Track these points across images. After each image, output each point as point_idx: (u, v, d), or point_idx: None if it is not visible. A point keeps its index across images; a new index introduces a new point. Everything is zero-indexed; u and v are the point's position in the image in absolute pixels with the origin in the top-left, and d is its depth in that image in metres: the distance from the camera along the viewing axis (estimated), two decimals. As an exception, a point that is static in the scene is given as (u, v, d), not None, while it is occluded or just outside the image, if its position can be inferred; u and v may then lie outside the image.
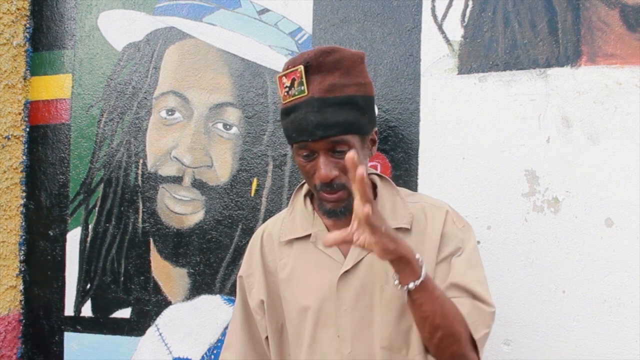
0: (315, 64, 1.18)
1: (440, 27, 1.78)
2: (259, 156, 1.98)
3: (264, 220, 1.96)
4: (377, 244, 1.04)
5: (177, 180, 2.07)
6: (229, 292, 2.01)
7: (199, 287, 2.04)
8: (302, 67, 1.18)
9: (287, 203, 1.92)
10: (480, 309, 1.21)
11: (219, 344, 2.00)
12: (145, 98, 2.13)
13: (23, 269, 2.26)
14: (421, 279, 1.10)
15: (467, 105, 1.74)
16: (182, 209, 2.06)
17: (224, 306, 2.01)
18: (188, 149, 2.06)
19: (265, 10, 2.00)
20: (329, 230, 1.31)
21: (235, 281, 1.99)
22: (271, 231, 1.40)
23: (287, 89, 1.21)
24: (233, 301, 1.99)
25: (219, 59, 2.04)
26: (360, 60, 1.25)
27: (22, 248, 2.26)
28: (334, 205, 1.23)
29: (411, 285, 1.10)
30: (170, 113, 2.09)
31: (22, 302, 2.27)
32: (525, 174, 1.68)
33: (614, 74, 1.61)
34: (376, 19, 1.86)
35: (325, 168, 1.19)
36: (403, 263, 1.09)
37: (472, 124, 1.73)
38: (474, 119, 1.73)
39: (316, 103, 1.17)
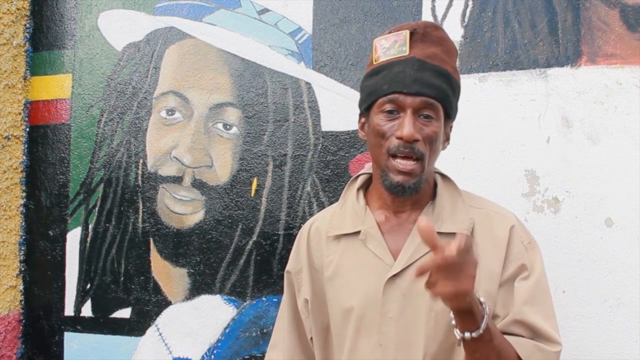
0: (422, 32, 1.15)
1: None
2: (259, 156, 1.98)
3: (264, 220, 1.96)
4: (456, 300, 0.97)
5: (177, 180, 2.07)
6: (229, 292, 2.01)
7: (199, 287, 2.04)
8: (407, 31, 1.14)
9: (287, 203, 1.92)
10: (543, 351, 1.13)
11: (219, 344, 2.00)
12: (145, 98, 2.13)
13: (23, 269, 2.26)
14: (480, 331, 1.01)
15: (467, 105, 1.74)
16: (182, 209, 2.06)
17: (224, 306, 2.01)
18: (188, 149, 2.06)
19: (265, 10, 2.00)
20: (380, 227, 1.21)
21: (235, 281, 2.00)
22: (319, 225, 1.30)
23: (384, 50, 1.16)
24: (233, 301, 1.99)
25: (219, 59, 2.04)
26: (456, 53, 1.23)
27: (22, 248, 2.26)
28: (404, 178, 1.13)
29: (467, 335, 1.02)
30: (170, 113, 2.09)
31: (22, 302, 2.27)
32: (525, 174, 1.68)
33: (614, 74, 1.61)
34: (376, 19, 1.86)
35: (410, 126, 1.10)
36: (466, 312, 1.01)
37: (472, 124, 1.73)
38: (474, 119, 1.73)
39: (417, 63, 1.12)
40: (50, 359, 2.23)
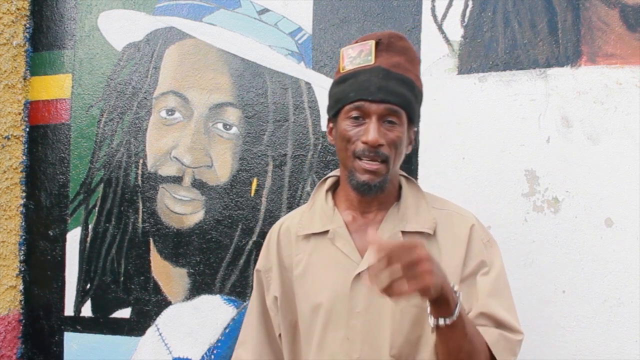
0: (387, 43, 1.22)
1: (440, 27, 1.78)
2: (259, 156, 1.98)
3: (264, 220, 1.96)
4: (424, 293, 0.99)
5: (177, 180, 2.07)
6: (229, 292, 2.01)
7: (199, 287, 2.04)
8: (373, 41, 1.22)
9: (287, 203, 1.92)
10: (507, 338, 1.18)
11: (219, 344, 2.00)
12: (145, 98, 2.13)
13: (23, 269, 2.26)
14: (454, 317, 1.06)
15: (467, 105, 1.74)
16: (182, 209, 2.06)
17: (224, 306, 2.01)
18: (188, 149, 2.06)
19: (265, 10, 2.00)
20: (348, 227, 1.27)
21: (235, 281, 2.00)
22: (289, 225, 1.36)
23: (351, 59, 1.23)
24: (233, 301, 1.99)
25: (219, 59, 2.04)
26: (419, 62, 1.31)
27: (22, 248, 2.26)
28: (370, 177, 1.20)
29: (441, 322, 1.06)
30: (170, 113, 2.09)
31: (22, 302, 2.27)
32: (525, 174, 1.68)
33: (614, 74, 1.61)
34: (376, 19, 1.86)
35: (374, 132, 1.18)
36: (440, 300, 1.05)
37: (472, 124, 1.73)
38: (474, 119, 1.73)
39: (382, 72, 1.20)
40: (50, 359, 2.23)
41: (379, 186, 1.21)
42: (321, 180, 1.38)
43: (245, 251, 1.99)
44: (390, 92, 1.18)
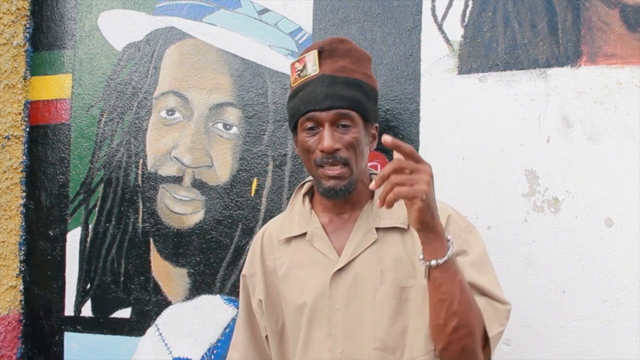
0: (329, 49, 1.26)
1: (440, 27, 1.78)
2: (259, 156, 1.98)
3: (264, 220, 1.96)
4: (418, 209, 1.02)
5: (177, 180, 2.07)
6: (229, 292, 2.01)
7: (199, 287, 2.04)
8: (315, 51, 1.26)
9: (287, 203, 1.93)
10: (495, 307, 1.19)
11: (219, 344, 2.00)
12: (145, 98, 2.13)
13: (23, 269, 2.26)
14: (445, 258, 1.08)
15: (467, 105, 1.74)
16: (182, 209, 2.06)
17: (224, 306, 2.01)
18: (188, 149, 2.06)
19: (265, 10, 2.00)
20: (325, 228, 1.32)
21: (236, 281, 2.00)
22: (271, 231, 1.42)
23: (298, 72, 1.28)
24: (233, 301, 1.99)
25: (219, 59, 2.04)
26: (368, 59, 1.33)
27: (22, 248, 2.26)
28: (335, 182, 1.23)
29: (433, 262, 1.08)
30: (170, 113, 2.09)
31: (22, 302, 2.27)
32: (525, 174, 1.67)
33: (614, 74, 1.61)
34: (376, 19, 1.86)
35: (328, 138, 1.21)
36: (432, 237, 1.08)
37: (472, 124, 1.73)
38: (474, 119, 1.73)
39: (327, 79, 1.24)
40: (50, 359, 2.23)
41: (345, 189, 1.25)
42: (299, 186, 1.43)
43: (245, 251, 1.99)
44: (336, 97, 1.22)
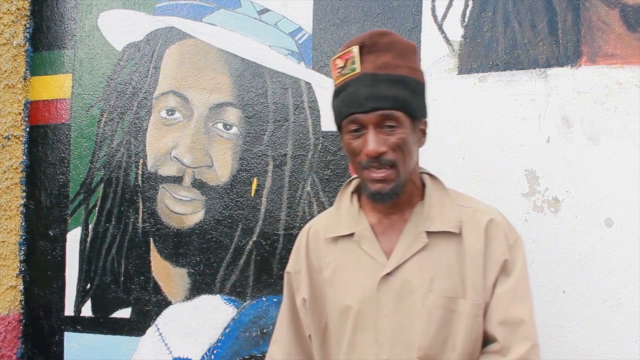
0: (370, 44, 1.18)
1: (440, 27, 1.78)
2: (259, 156, 1.98)
3: (264, 220, 1.96)
4: None
5: (177, 180, 2.07)
6: (229, 292, 2.01)
7: (199, 287, 2.04)
8: (356, 47, 1.18)
9: (287, 203, 1.92)
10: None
11: (219, 344, 2.00)
12: (145, 98, 2.13)
13: (23, 269, 2.26)
14: None
15: (467, 105, 1.74)
16: (182, 209, 2.06)
17: (224, 306, 2.01)
18: (188, 149, 2.06)
19: (265, 10, 2.00)
20: (373, 229, 1.26)
21: (235, 281, 2.00)
22: (317, 228, 1.36)
23: (339, 69, 1.21)
24: (233, 301, 1.99)
25: (219, 59, 2.04)
26: (413, 49, 1.24)
27: (22, 248, 2.26)
28: (381, 186, 1.18)
29: None
30: (170, 113, 2.09)
31: (22, 302, 2.27)
32: (525, 174, 1.67)
33: (614, 74, 1.61)
34: (376, 19, 1.86)
35: (373, 142, 1.16)
36: None
37: (472, 124, 1.73)
38: (474, 119, 1.73)
39: (369, 78, 1.17)
40: (50, 359, 2.23)
41: (392, 192, 1.19)
42: (346, 182, 1.37)
43: (245, 251, 1.99)
44: (379, 98, 1.16)
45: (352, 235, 1.28)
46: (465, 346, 1.19)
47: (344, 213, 1.32)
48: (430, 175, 1.31)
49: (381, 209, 1.27)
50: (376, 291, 1.22)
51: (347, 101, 1.19)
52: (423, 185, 1.29)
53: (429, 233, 1.23)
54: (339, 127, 1.25)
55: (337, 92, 1.23)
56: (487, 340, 1.21)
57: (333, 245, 1.31)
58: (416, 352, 1.19)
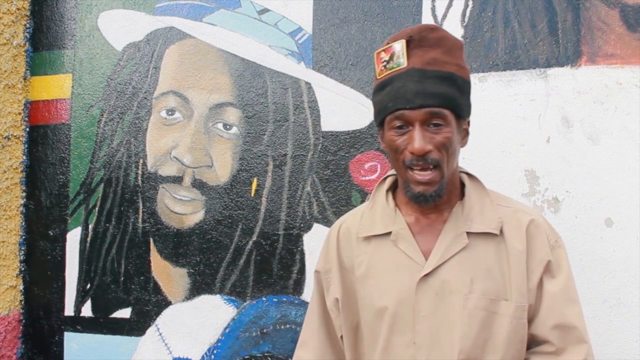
0: (418, 38, 1.15)
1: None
2: (259, 156, 1.98)
3: (264, 220, 1.96)
4: None
5: (177, 180, 2.07)
6: (229, 292, 2.01)
7: (199, 287, 2.04)
8: (404, 40, 1.15)
9: (287, 203, 1.91)
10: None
11: (219, 344, 2.00)
12: (145, 98, 2.13)
13: (23, 269, 2.26)
14: None
15: (467, 105, 1.74)
16: (182, 209, 2.06)
17: (224, 306, 2.01)
18: (188, 149, 2.06)
19: (265, 10, 2.00)
20: (410, 228, 1.22)
21: (235, 281, 2.00)
22: (349, 226, 1.32)
23: (384, 63, 1.17)
24: (233, 301, 1.99)
25: (219, 59, 2.04)
26: (460, 46, 1.21)
27: (22, 248, 2.26)
28: (425, 188, 1.15)
29: None
30: (170, 113, 2.09)
31: (22, 302, 2.27)
32: (525, 174, 1.67)
33: (614, 74, 1.61)
34: (376, 19, 1.86)
35: (419, 139, 1.12)
36: None
37: (472, 124, 1.73)
38: (474, 119, 1.72)
39: (417, 74, 1.13)
40: (50, 359, 2.23)
41: (436, 194, 1.16)
42: (381, 180, 1.33)
43: (245, 251, 1.99)
44: (428, 95, 1.12)
45: (388, 234, 1.24)
46: (508, 348, 1.16)
47: (379, 211, 1.27)
48: (469, 175, 1.27)
49: (419, 208, 1.22)
50: (414, 292, 1.18)
51: (393, 96, 1.14)
52: (462, 184, 1.26)
53: (468, 234, 1.19)
54: (381, 122, 1.20)
55: (381, 87, 1.18)
56: (533, 342, 1.19)
57: (366, 244, 1.27)
58: (457, 355, 1.15)
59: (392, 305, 1.20)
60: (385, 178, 1.32)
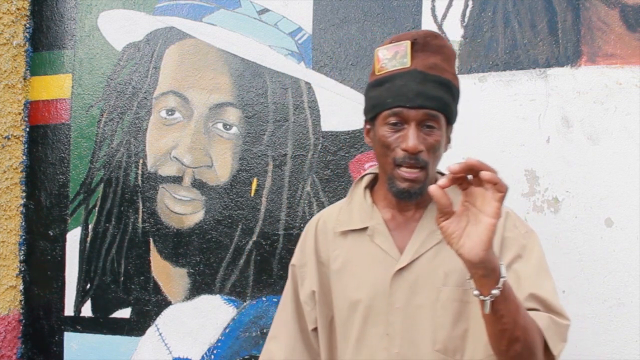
0: (422, 42, 1.19)
1: (440, 27, 1.78)
2: (259, 156, 1.98)
3: (264, 220, 1.96)
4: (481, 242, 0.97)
5: (177, 180, 2.07)
6: (229, 292, 2.01)
7: (199, 287, 2.04)
8: (408, 42, 1.19)
9: (287, 203, 1.92)
10: (557, 323, 1.16)
11: (219, 344, 2.00)
12: (145, 98, 2.13)
13: (23, 269, 2.26)
14: (500, 287, 1.00)
15: (467, 105, 1.74)
16: (182, 209, 2.06)
17: (224, 306, 2.01)
18: (188, 149, 2.06)
19: (265, 10, 2.00)
20: (387, 224, 1.27)
21: (235, 281, 2.00)
22: (326, 220, 1.36)
23: (386, 60, 1.21)
24: (233, 301, 1.99)
25: (219, 59, 2.04)
26: (455, 56, 1.27)
27: (22, 248, 2.26)
28: (410, 185, 1.19)
29: (495, 291, 1.00)
30: (170, 113, 2.09)
31: (22, 302, 2.27)
32: (525, 174, 1.67)
33: (614, 74, 1.61)
34: (376, 19, 1.86)
35: (414, 138, 1.17)
36: (488, 271, 1.00)
37: (472, 124, 1.73)
38: (474, 119, 1.73)
39: (419, 75, 1.17)
40: (50, 359, 2.23)
41: (419, 192, 1.21)
42: (358, 178, 1.37)
43: (245, 251, 1.99)
44: (428, 97, 1.17)
45: (364, 229, 1.28)
46: None
47: (356, 207, 1.32)
48: (442, 174, 1.31)
49: (396, 205, 1.28)
50: (389, 286, 1.22)
51: (393, 93, 1.18)
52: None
53: None
54: (373, 117, 1.23)
55: (379, 83, 1.21)
56: None
57: (342, 238, 1.31)
58: (432, 346, 1.19)
59: (367, 298, 1.24)
60: (363, 176, 1.37)
